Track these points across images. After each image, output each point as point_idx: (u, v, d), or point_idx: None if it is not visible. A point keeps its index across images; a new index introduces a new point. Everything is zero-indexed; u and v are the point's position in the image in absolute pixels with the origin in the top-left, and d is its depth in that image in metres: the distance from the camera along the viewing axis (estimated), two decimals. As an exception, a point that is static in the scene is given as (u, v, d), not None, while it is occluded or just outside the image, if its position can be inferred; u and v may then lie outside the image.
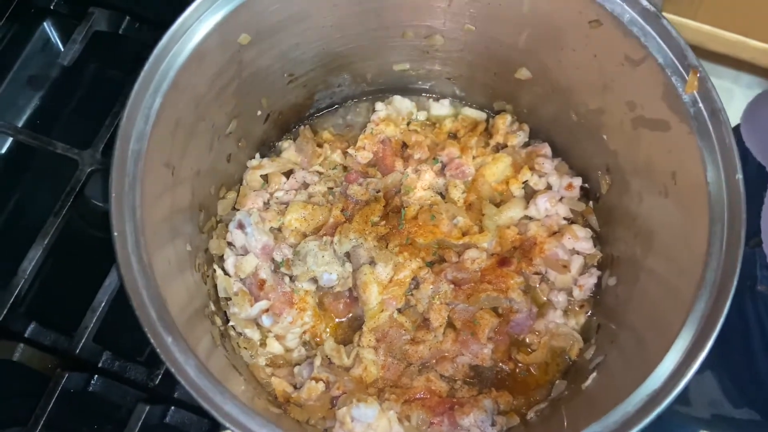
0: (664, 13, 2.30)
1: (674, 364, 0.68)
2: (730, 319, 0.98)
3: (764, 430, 1.02)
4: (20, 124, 1.18)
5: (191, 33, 0.73)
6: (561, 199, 1.03)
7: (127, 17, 1.24)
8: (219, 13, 0.75)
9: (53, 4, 1.27)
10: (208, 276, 0.93)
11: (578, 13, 0.79)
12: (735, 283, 0.67)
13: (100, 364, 1.01)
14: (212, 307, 0.90)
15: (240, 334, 0.95)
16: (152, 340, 0.63)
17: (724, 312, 0.67)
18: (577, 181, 1.02)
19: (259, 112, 0.99)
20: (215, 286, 0.95)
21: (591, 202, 1.02)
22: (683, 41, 0.73)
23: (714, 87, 0.71)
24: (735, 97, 2.67)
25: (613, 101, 0.87)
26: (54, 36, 1.27)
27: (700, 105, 0.72)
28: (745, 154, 1.03)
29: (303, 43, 0.91)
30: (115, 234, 0.66)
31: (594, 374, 0.84)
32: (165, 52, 0.72)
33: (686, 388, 1.12)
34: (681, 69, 0.73)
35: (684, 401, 1.16)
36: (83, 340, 1.00)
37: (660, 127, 0.78)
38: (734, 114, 1.10)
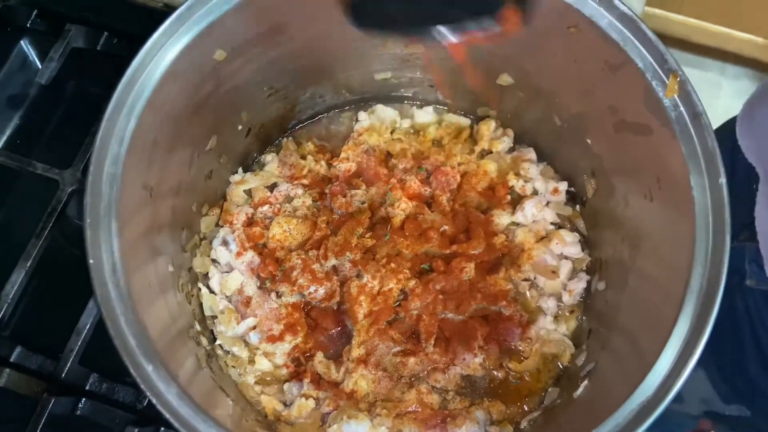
0: (649, 8, 2.28)
1: (665, 370, 0.68)
2: (719, 315, 0.98)
3: (755, 425, 1.02)
4: (0, 146, 1.17)
5: (164, 52, 0.72)
6: (547, 204, 1.02)
7: (105, 33, 1.22)
8: (192, 30, 0.73)
9: (30, 21, 1.25)
10: (192, 295, 0.92)
11: (556, 18, 0.79)
12: (722, 286, 0.66)
13: (87, 387, 0.99)
14: (197, 327, 0.89)
15: (228, 352, 0.94)
16: (131, 370, 0.62)
17: (712, 316, 0.67)
18: (563, 186, 1.02)
19: (240, 127, 0.98)
20: (201, 305, 0.94)
21: (578, 206, 1.02)
22: (662, 45, 0.72)
23: (695, 90, 0.71)
24: (722, 88, 2.68)
25: (595, 105, 0.86)
26: (32, 54, 1.26)
27: (681, 109, 0.71)
28: (734, 150, 1.03)
29: (281, 56, 0.90)
30: (91, 261, 0.64)
31: (585, 382, 0.83)
32: (138, 72, 0.71)
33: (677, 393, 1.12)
34: (661, 73, 0.72)
35: (677, 398, 1.16)
36: (69, 364, 0.98)
37: (642, 132, 0.77)
38: (723, 104, 1.09)
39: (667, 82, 0.72)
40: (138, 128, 0.70)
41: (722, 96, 2.69)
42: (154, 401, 0.61)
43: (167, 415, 0.62)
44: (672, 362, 0.66)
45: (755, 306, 0.93)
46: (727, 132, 1.00)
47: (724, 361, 1.01)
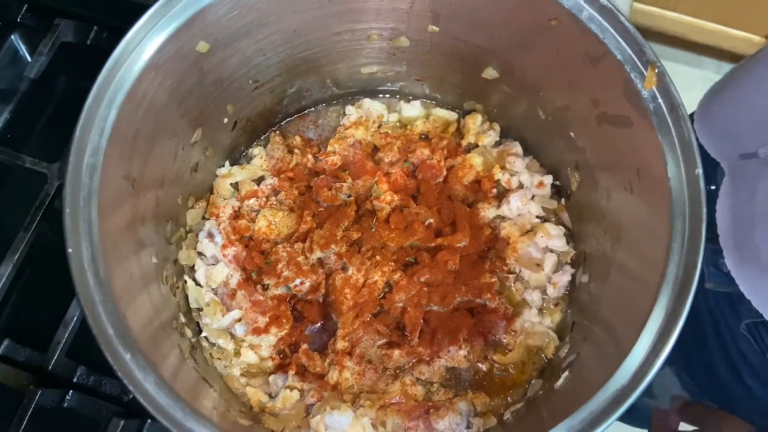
0: (646, 6, 2.27)
1: (640, 358, 0.68)
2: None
3: None
4: (-9, 140, 1.17)
5: (145, 43, 0.73)
6: (533, 198, 1.02)
7: (95, 27, 1.23)
8: (174, 22, 0.74)
9: (20, 16, 1.26)
10: (177, 287, 0.92)
11: (537, 11, 0.79)
12: (697, 276, 0.67)
13: (74, 380, 1.00)
14: (182, 319, 0.89)
15: (213, 344, 0.95)
16: (109, 358, 0.62)
17: (687, 305, 0.67)
18: (548, 179, 1.02)
19: (226, 120, 0.98)
20: (186, 297, 0.94)
21: (563, 200, 1.02)
22: (641, 37, 0.73)
23: (672, 82, 0.71)
24: (718, 86, 2.68)
25: (577, 98, 0.86)
26: (22, 48, 1.27)
27: (660, 101, 0.71)
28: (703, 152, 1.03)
29: (266, 49, 0.91)
30: (70, 250, 0.65)
31: (566, 373, 0.83)
32: (119, 63, 0.71)
33: (650, 382, 1.13)
34: (639, 65, 0.73)
35: (649, 394, 1.17)
36: (56, 356, 0.99)
37: (623, 124, 0.77)
38: None
39: (645, 73, 0.72)
40: (118, 120, 0.71)
41: (718, 93, 2.70)
42: (130, 389, 0.62)
43: (144, 404, 0.62)
44: (647, 351, 0.67)
45: (717, 306, 0.94)
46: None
47: (691, 360, 1.01)
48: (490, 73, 0.97)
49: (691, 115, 1.03)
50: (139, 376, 0.63)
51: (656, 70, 0.71)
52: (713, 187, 0.88)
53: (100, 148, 0.69)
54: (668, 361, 1.02)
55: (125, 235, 0.75)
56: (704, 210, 0.68)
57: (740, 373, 0.92)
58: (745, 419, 0.97)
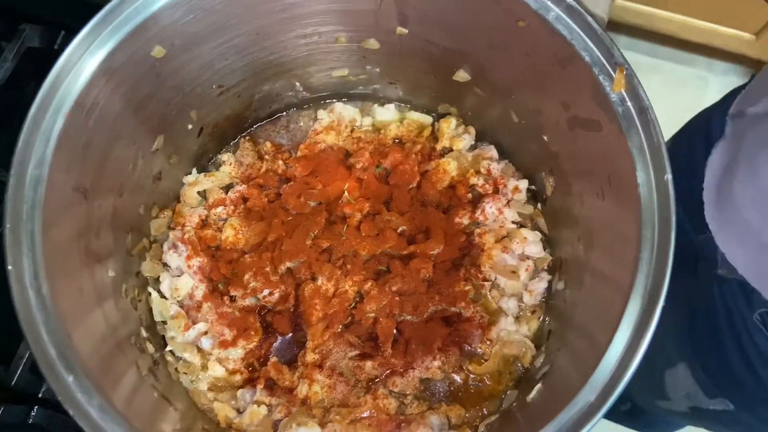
0: (635, 5, 2.23)
1: (611, 367, 0.66)
2: (699, 307, 0.96)
3: (738, 418, 1.00)
4: (-47, 148, 1.14)
5: (95, 49, 0.70)
6: (508, 203, 1.00)
7: (63, 32, 1.20)
8: (125, 26, 0.71)
9: (-13, 22, 1.23)
10: (140, 300, 0.89)
11: (504, 12, 0.76)
12: (666, 283, 0.64)
13: (40, 395, 0.97)
14: (144, 334, 0.86)
15: (179, 358, 0.92)
16: (49, 381, 0.59)
17: (656, 314, 0.64)
18: (524, 184, 0.99)
19: (190, 126, 0.95)
20: (150, 311, 0.91)
21: (539, 205, 1.00)
22: (609, 39, 0.70)
23: (641, 84, 0.68)
24: (710, 84, 2.66)
25: (549, 102, 0.84)
26: (-10, 55, 1.23)
27: (629, 104, 0.69)
28: (708, 142, 0.99)
29: (229, 53, 0.88)
30: (10, 268, 0.62)
31: (539, 385, 0.81)
32: (66, 69, 0.68)
33: (663, 383, 1.10)
34: (608, 67, 0.70)
35: (663, 396, 1.14)
36: (19, 371, 0.96)
37: (593, 128, 0.75)
38: (710, 100, 1.05)
39: (614, 76, 0.70)
40: (66, 128, 0.68)
41: (710, 92, 2.66)
42: (72, 414, 0.59)
43: (87, 430, 0.59)
44: (618, 359, 0.64)
45: (731, 295, 0.91)
46: (699, 123, 0.97)
47: (704, 354, 0.98)
48: (462, 75, 0.95)
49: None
50: (82, 399, 0.60)
51: (624, 72, 0.69)
52: None
53: (46, 159, 0.66)
54: (681, 357, 0.98)
55: (75, 249, 0.72)
56: (674, 217, 0.65)
57: (753, 365, 0.89)
58: (758, 415, 0.94)
